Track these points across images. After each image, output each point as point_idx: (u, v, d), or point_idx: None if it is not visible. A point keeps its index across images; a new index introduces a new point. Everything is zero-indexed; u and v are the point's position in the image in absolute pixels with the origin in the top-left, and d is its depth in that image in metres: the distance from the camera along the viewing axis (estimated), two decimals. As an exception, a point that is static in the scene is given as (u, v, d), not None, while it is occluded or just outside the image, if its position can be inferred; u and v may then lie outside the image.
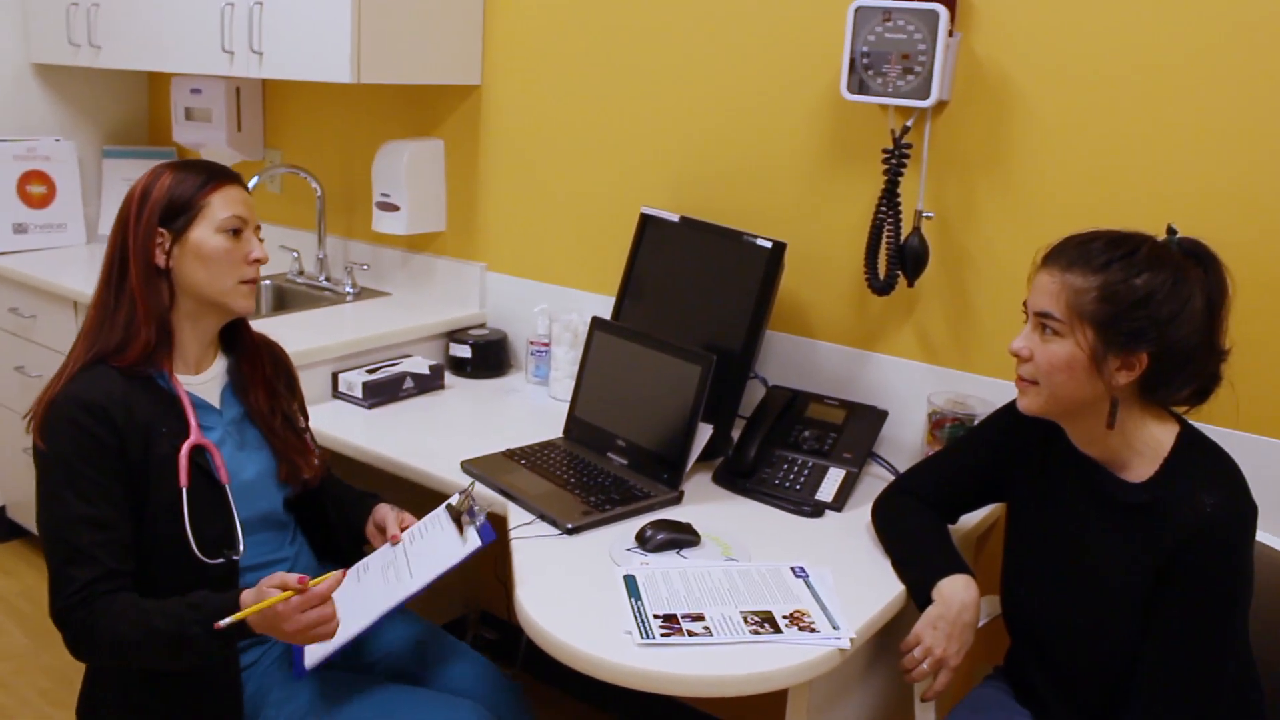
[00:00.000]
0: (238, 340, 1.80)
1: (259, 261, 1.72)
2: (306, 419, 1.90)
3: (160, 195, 1.66)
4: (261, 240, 1.75)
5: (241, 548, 1.68)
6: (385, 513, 1.82)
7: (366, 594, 1.69)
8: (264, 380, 1.80)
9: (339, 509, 1.89)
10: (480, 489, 1.93)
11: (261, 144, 3.35)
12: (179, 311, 1.68)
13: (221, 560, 1.65)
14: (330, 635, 1.54)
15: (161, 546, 1.61)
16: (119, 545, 1.57)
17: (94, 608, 1.53)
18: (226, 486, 1.68)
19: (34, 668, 2.82)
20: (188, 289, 1.67)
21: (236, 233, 1.69)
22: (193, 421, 1.66)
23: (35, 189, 3.38)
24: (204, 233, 1.66)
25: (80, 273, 3.09)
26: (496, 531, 1.69)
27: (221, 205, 1.68)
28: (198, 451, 1.65)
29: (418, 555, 1.70)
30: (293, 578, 1.50)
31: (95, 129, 3.60)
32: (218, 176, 1.70)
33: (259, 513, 1.74)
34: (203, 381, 1.73)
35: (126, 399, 1.60)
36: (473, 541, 1.66)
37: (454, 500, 1.76)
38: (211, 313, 1.71)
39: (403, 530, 1.76)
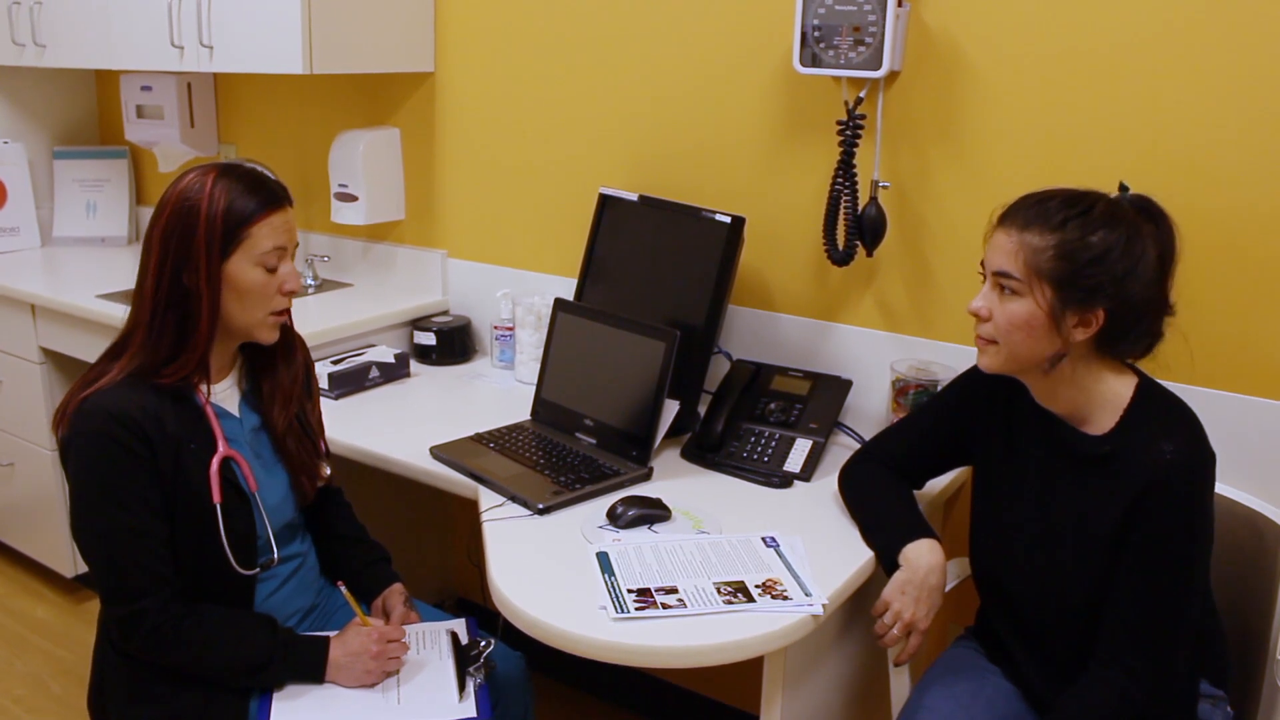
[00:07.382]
0: (257, 350, 1.74)
1: (292, 292, 1.65)
2: (320, 422, 1.86)
3: (208, 217, 1.56)
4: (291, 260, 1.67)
5: (276, 556, 1.70)
6: (396, 603, 1.81)
7: (349, 691, 1.66)
8: (281, 394, 1.74)
9: (345, 547, 1.90)
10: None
11: (216, 139, 3.32)
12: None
13: (257, 570, 1.68)
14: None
15: (195, 557, 1.61)
16: (165, 551, 1.59)
17: (170, 615, 1.57)
18: (255, 495, 1.67)
19: (9, 675, 2.80)
20: (218, 315, 1.61)
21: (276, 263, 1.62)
22: (219, 434, 1.64)
23: (-14, 193, 3.34)
24: (242, 265, 1.59)
25: (36, 276, 3.05)
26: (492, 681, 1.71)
27: (265, 235, 1.59)
28: (225, 463, 1.64)
29: (409, 684, 1.67)
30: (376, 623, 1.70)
31: (44, 130, 3.55)
32: (269, 203, 1.60)
33: (283, 520, 1.75)
34: (222, 390, 1.70)
35: (158, 412, 1.57)
36: (468, 710, 1.63)
37: (464, 640, 1.75)
38: (237, 337, 1.67)
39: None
